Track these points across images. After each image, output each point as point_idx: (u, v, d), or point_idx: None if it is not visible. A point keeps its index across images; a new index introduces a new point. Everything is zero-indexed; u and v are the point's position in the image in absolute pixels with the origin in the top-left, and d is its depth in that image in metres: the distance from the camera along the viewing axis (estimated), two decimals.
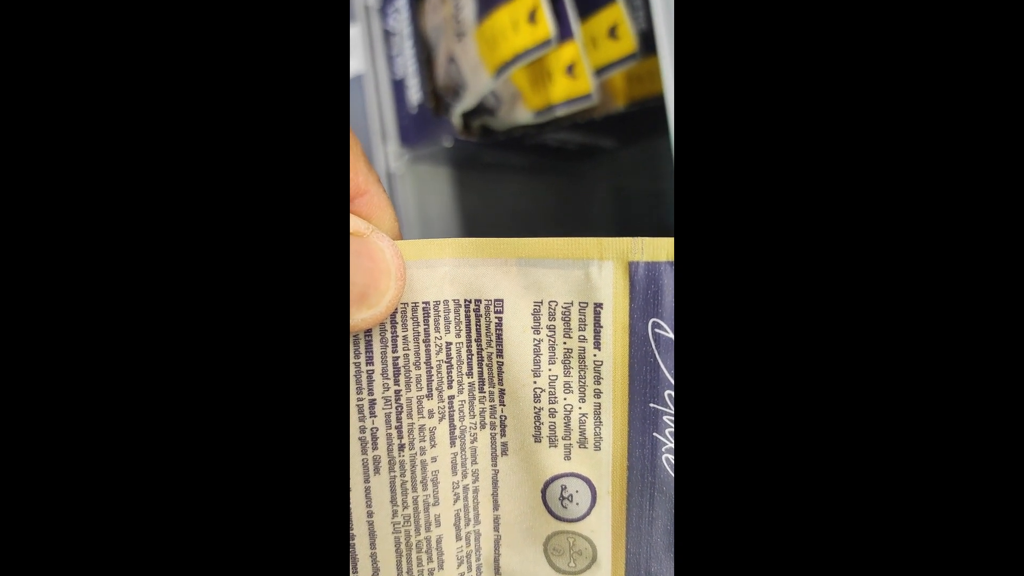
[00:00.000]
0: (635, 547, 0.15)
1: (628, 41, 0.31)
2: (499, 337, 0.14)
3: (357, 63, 0.42)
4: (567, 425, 0.15)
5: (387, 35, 0.42)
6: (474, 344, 0.15)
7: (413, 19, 0.40)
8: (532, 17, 0.28)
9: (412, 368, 0.14)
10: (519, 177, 0.53)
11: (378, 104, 0.42)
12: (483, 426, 0.15)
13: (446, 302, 0.14)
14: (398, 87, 0.41)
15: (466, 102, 0.36)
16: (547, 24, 0.28)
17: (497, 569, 0.16)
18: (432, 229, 0.46)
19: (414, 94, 0.40)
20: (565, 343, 0.14)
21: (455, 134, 0.38)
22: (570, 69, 0.30)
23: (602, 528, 0.15)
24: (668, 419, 0.14)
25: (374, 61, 0.42)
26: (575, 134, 0.41)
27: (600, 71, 0.32)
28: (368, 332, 0.14)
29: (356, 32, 0.42)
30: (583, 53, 0.30)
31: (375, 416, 0.14)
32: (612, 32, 0.31)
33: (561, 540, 0.16)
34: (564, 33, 0.29)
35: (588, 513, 0.15)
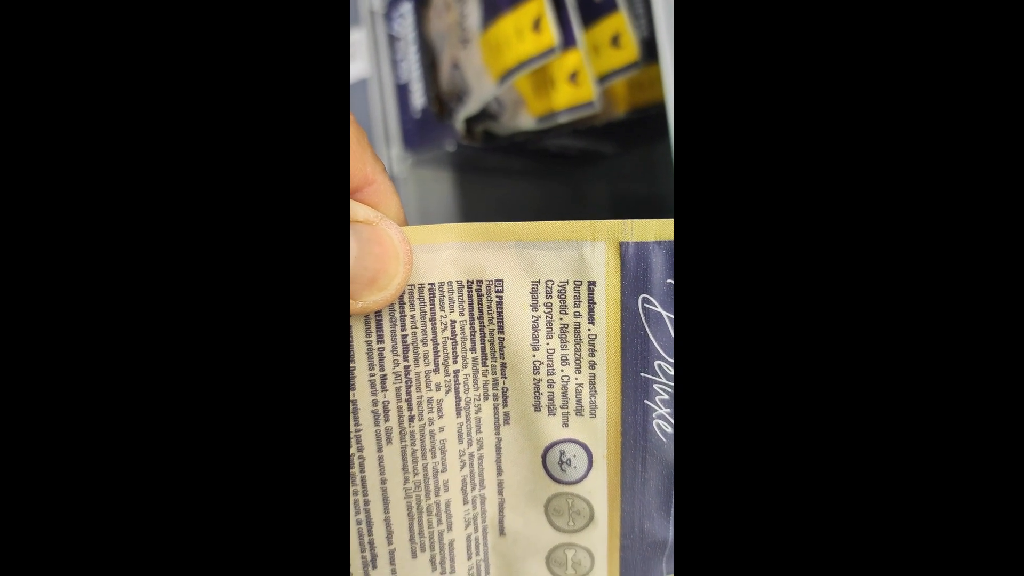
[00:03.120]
0: (629, 507, 0.16)
1: (630, 49, 0.31)
2: (500, 315, 0.15)
3: (361, 67, 0.43)
4: (564, 395, 0.16)
5: (392, 40, 0.42)
6: (477, 322, 0.15)
7: (418, 24, 0.41)
8: (536, 25, 0.29)
9: (420, 345, 0.15)
10: (520, 181, 0.53)
11: (382, 108, 0.42)
12: (486, 397, 0.16)
13: (450, 283, 0.15)
14: (402, 91, 0.42)
15: (470, 107, 0.36)
16: (551, 32, 0.28)
17: (502, 530, 0.17)
18: None
19: (418, 99, 0.41)
20: (561, 319, 0.15)
21: (458, 139, 0.39)
22: (573, 77, 0.31)
23: (598, 490, 0.16)
24: (658, 387, 0.15)
25: (378, 65, 0.42)
26: (576, 140, 0.41)
27: (602, 78, 0.33)
28: (379, 313, 0.15)
29: (361, 37, 0.43)
30: (586, 61, 0.30)
31: (386, 390, 0.15)
32: (615, 40, 0.31)
33: (560, 501, 0.17)
34: (568, 41, 0.30)
35: (585, 476, 0.16)
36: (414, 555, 0.16)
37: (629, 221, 0.14)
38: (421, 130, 0.41)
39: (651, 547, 0.17)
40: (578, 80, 0.31)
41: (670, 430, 0.16)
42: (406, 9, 0.41)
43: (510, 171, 0.52)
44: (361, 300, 0.14)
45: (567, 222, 0.14)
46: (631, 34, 0.31)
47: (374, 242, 0.14)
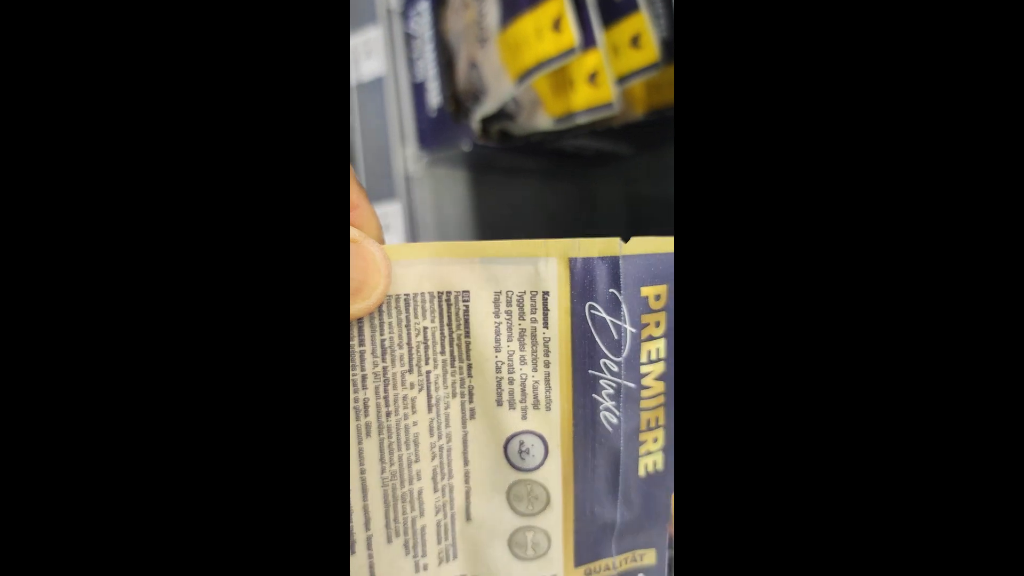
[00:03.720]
0: (581, 492, 0.19)
1: (650, 50, 0.31)
2: (466, 321, 0.17)
3: (377, 66, 0.43)
4: (523, 391, 0.18)
5: (408, 38, 0.42)
6: (446, 328, 0.17)
7: (435, 23, 0.40)
8: (556, 25, 0.29)
9: (396, 348, 0.17)
10: (535, 181, 0.53)
11: (398, 107, 0.42)
12: (455, 395, 0.18)
13: (423, 294, 0.17)
14: (418, 90, 0.42)
15: (487, 107, 0.36)
16: (571, 32, 0.28)
17: (468, 516, 0.19)
18: (448, 231, 0.46)
19: (434, 97, 0.41)
20: (520, 324, 0.17)
21: (474, 138, 0.38)
22: (592, 77, 0.30)
23: (554, 476, 0.18)
24: (604, 383, 0.18)
25: (395, 64, 0.42)
26: (593, 141, 0.41)
27: (621, 79, 0.32)
28: (360, 320, 0.17)
29: (377, 35, 0.43)
30: (606, 61, 0.30)
31: (366, 388, 0.17)
32: (635, 41, 0.31)
33: (520, 488, 0.19)
34: (588, 41, 0.29)
35: (542, 464, 0.18)
36: (389, 540, 0.18)
37: (577, 240, 0.17)
38: (437, 129, 0.41)
39: (601, 529, 0.19)
40: (597, 81, 0.30)
41: (615, 421, 0.18)
42: (423, 7, 0.41)
43: (525, 171, 0.52)
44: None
45: (524, 241, 0.17)
46: (651, 35, 0.31)
47: (358, 257, 0.16)
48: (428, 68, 0.41)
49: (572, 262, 0.17)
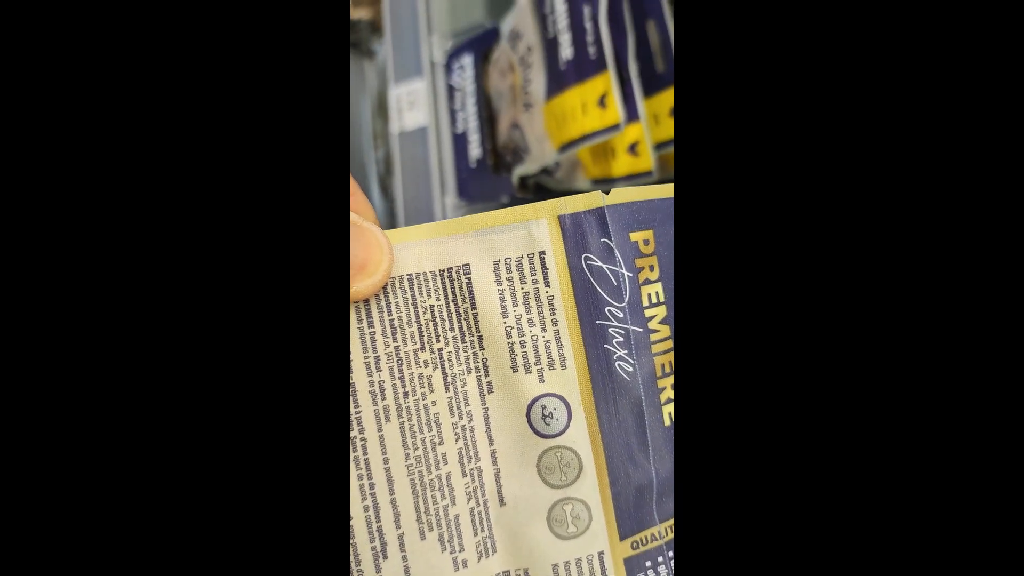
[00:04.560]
0: (611, 451, 0.18)
1: None
2: (471, 293, 0.18)
3: (421, 116, 0.44)
4: (536, 352, 0.18)
5: (451, 90, 0.44)
6: (451, 303, 0.18)
7: (477, 78, 0.42)
8: (602, 102, 0.30)
9: (406, 326, 0.17)
10: None
11: (439, 157, 0.44)
12: (470, 371, 0.18)
13: (425, 273, 0.17)
14: (459, 141, 0.43)
15: (528, 168, 0.37)
16: (617, 111, 0.29)
17: (502, 500, 0.18)
18: None
19: (474, 149, 0.42)
20: (523, 287, 0.18)
21: (512, 192, 0.40)
22: (633, 148, 0.32)
23: (581, 437, 0.18)
24: (613, 331, 0.18)
25: (437, 114, 0.44)
26: None
27: (659, 145, 0.34)
28: (367, 302, 0.17)
29: (421, 87, 0.44)
30: (646, 132, 0.31)
31: (380, 370, 0.17)
32: (674, 111, 0.32)
33: (551, 457, 0.18)
34: (631, 116, 0.31)
35: (567, 426, 0.18)
36: (423, 536, 0.17)
37: (562, 199, 0.17)
38: (476, 180, 0.42)
39: (638, 492, 0.19)
40: (638, 150, 0.32)
41: (631, 368, 0.18)
42: (466, 62, 0.43)
43: None
44: (354, 286, 0.16)
45: (514, 207, 0.17)
46: None
47: (359, 236, 0.16)
48: (470, 120, 0.43)
49: (562, 219, 0.17)
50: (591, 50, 0.31)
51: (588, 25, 0.31)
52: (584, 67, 0.31)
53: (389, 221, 0.56)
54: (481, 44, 0.42)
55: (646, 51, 0.32)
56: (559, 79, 0.32)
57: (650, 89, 0.33)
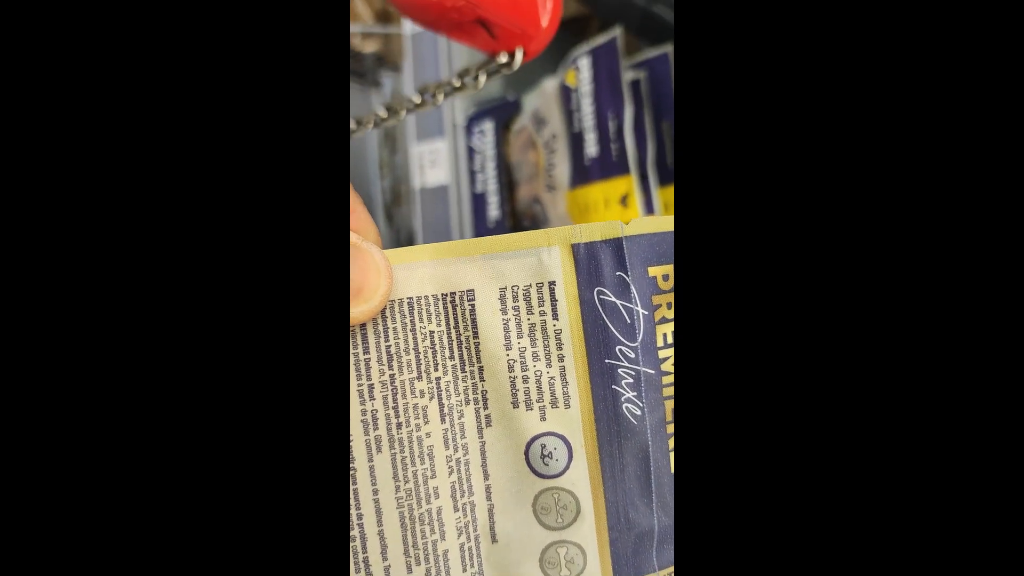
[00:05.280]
0: (612, 495, 0.17)
1: None
2: (473, 321, 0.17)
3: (442, 175, 0.47)
4: (539, 389, 0.17)
5: (471, 152, 0.47)
6: (453, 331, 0.17)
7: (497, 144, 0.45)
8: (624, 201, 0.33)
9: (403, 354, 0.16)
10: None
11: (459, 214, 0.47)
12: (468, 402, 0.17)
13: (426, 297, 0.17)
14: (478, 200, 0.46)
15: None
16: (637, 211, 0.33)
17: (494, 537, 0.18)
18: None
19: (493, 210, 0.45)
20: (529, 319, 0.17)
21: None
22: None
23: (581, 480, 0.17)
24: (622, 372, 0.17)
25: (457, 173, 0.47)
26: None
27: None
28: (363, 326, 0.16)
29: (443, 147, 0.47)
30: None
31: (374, 399, 0.16)
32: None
33: (547, 498, 0.17)
34: (648, 213, 0.34)
35: (567, 467, 0.17)
36: (409, 570, 0.17)
37: (577, 226, 0.17)
38: None
39: (638, 538, 0.18)
40: None
41: (639, 412, 0.17)
42: (487, 127, 0.46)
43: None
44: (350, 311, 0.15)
45: (525, 232, 0.17)
46: None
47: (359, 260, 0.15)
48: (489, 182, 0.46)
49: (575, 248, 0.16)
50: (614, 151, 0.34)
51: (611, 126, 0.34)
52: (608, 167, 0.34)
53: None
54: (502, 113, 0.45)
55: (661, 149, 0.36)
56: (583, 172, 0.36)
57: (664, 180, 0.36)
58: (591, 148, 0.35)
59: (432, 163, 0.48)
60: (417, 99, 0.26)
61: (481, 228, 0.46)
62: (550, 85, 0.39)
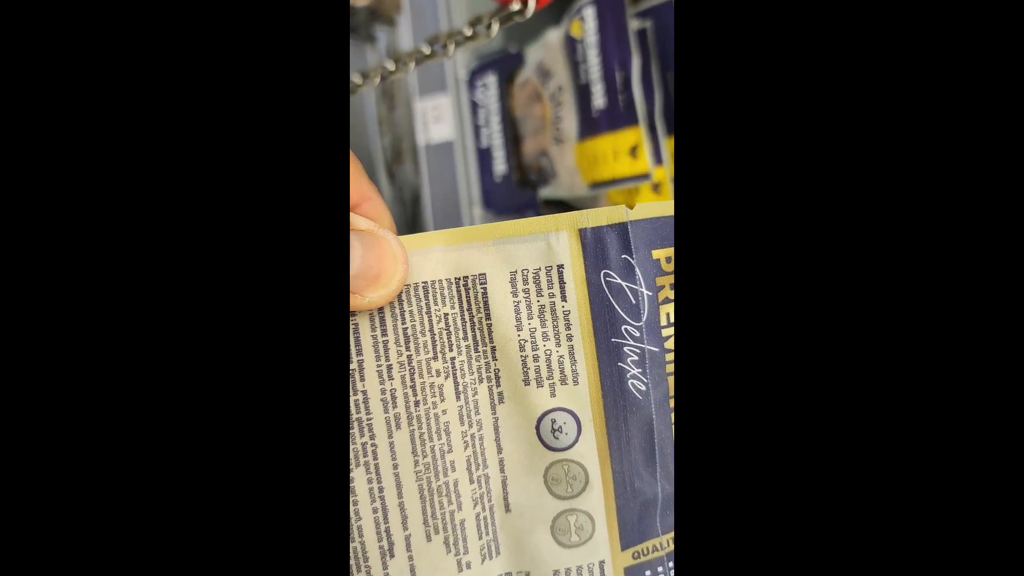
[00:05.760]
0: (619, 466, 0.18)
1: None
2: (486, 304, 0.18)
3: (447, 130, 0.47)
4: (549, 367, 0.18)
5: (474, 106, 0.47)
6: (466, 313, 0.18)
7: (501, 97, 0.45)
8: (633, 152, 0.34)
9: (419, 335, 0.17)
10: None
11: (465, 171, 0.47)
12: (481, 380, 0.18)
13: (440, 281, 0.18)
14: (483, 155, 0.47)
15: (557, 193, 0.41)
16: (647, 162, 0.33)
17: (507, 507, 0.19)
18: None
19: (499, 165, 0.46)
20: (539, 300, 0.18)
21: (538, 208, 0.44)
22: (656, 188, 0.36)
23: (589, 452, 0.18)
24: (628, 349, 0.18)
25: (462, 130, 0.47)
26: None
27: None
28: (381, 310, 0.17)
29: (446, 102, 0.47)
30: (669, 177, 0.35)
31: (392, 379, 0.17)
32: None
33: (558, 469, 0.18)
34: (657, 163, 0.35)
35: (576, 441, 0.18)
36: (428, 538, 0.18)
37: (584, 211, 0.17)
38: (501, 194, 0.46)
39: (643, 506, 0.19)
40: (660, 191, 0.36)
41: (644, 388, 0.18)
42: (490, 81, 0.45)
43: None
44: (367, 296, 0.16)
45: (534, 218, 0.18)
46: None
47: (375, 246, 0.16)
48: (494, 136, 0.46)
49: (582, 233, 0.17)
50: (622, 102, 0.34)
51: (619, 77, 0.34)
52: (616, 118, 0.34)
53: (401, 211, 0.59)
54: (505, 66, 0.45)
55: (668, 99, 0.36)
56: (591, 124, 0.36)
57: (671, 130, 0.37)
58: (598, 100, 0.35)
59: (436, 119, 0.48)
60: (427, 49, 0.26)
61: (488, 183, 0.47)
62: (554, 36, 0.39)
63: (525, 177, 0.45)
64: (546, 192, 0.42)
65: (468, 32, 0.24)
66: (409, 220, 0.55)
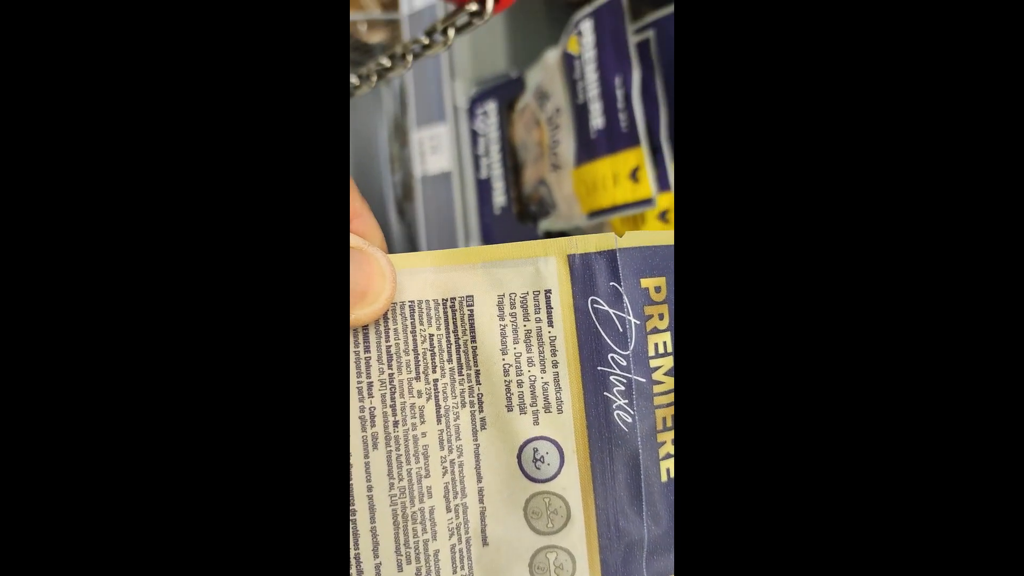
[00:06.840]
0: (603, 502, 0.18)
1: None
2: (471, 326, 0.17)
3: (444, 161, 0.45)
4: (532, 393, 0.17)
5: (474, 135, 0.44)
6: (452, 334, 0.18)
7: (501, 125, 0.42)
8: (634, 175, 0.30)
9: (402, 354, 0.17)
10: None
11: (463, 201, 0.44)
12: (464, 404, 0.18)
13: (427, 301, 0.17)
14: (483, 186, 0.44)
15: (556, 224, 0.38)
16: (649, 186, 0.30)
17: (485, 540, 0.18)
18: None
19: (499, 196, 0.42)
20: (525, 325, 0.17)
21: None
22: (663, 215, 0.32)
23: (572, 485, 0.18)
24: (614, 379, 0.17)
25: (460, 160, 0.44)
26: None
27: None
28: (365, 327, 0.17)
29: (443, 131, 0.45)
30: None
31: (372, 397, 0.17)
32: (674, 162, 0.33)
33: (538, 502, 0.18)
34: (662, 188, 0.31)
35: (559, 472, 0.18)
36: (400, 568, 0.17)
37: (573, 238, 0.17)
38: (500, 227, 0.43)
39: (628, 547, 0.18)
40: (667, 218, 0.32)
41: (630, 420, 0.17)
42: (490, 108, 0.43)
43: None
44: (354, 313, 0.16)
45: (524, 243, 0.17)
46: None
47: (363, 263, 0.16)
48: (494, 167, 0.43)
49: (571, 259, 0.17)
50: (623, 121, 0.31)
51: (619, 94, 0.31)
52: (616, 139, 0.31)
53: (411, 249, 0.56)
54: (505, 92, 0.42)
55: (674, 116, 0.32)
56: (589, 147, 0.33)
57: None
58: (596, 119, 0.32)
59: (433, 149, 0.45)
60: (387, 62, 0.23)
61: (487, 216, 0.43)
62: (552, 56, 0.36)
63: (525, 209, 0.41)
64: (545, 225, 0.38)
65: (426, 41, 0.21)
66: None
